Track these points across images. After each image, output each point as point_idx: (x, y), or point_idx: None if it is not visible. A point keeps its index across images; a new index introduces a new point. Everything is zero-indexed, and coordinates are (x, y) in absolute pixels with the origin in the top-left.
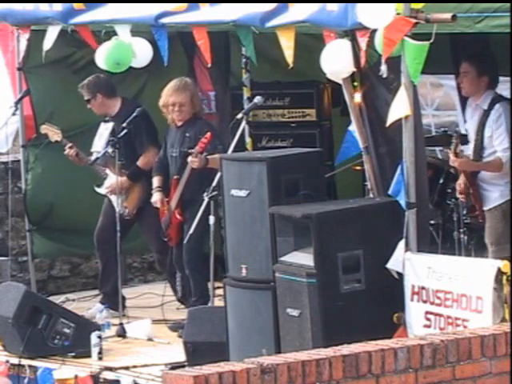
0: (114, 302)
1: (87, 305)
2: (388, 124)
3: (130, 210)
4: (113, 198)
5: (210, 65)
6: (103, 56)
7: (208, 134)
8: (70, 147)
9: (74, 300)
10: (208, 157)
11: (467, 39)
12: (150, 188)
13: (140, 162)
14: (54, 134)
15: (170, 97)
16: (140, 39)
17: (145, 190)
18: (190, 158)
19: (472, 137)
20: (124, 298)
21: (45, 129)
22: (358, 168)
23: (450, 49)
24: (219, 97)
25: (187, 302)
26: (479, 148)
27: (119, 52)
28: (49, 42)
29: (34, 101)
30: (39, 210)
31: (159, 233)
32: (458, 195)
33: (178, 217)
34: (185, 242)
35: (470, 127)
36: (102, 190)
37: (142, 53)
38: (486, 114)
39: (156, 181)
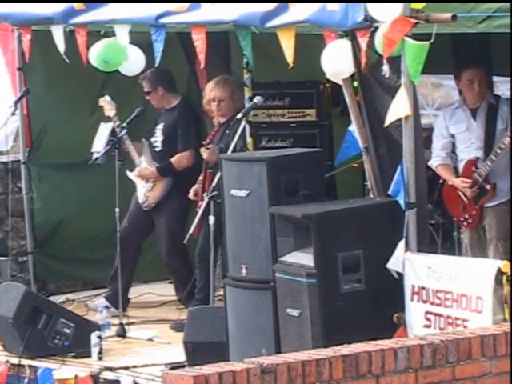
0: (118, 300)
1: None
2: (387, 124)
3: (150, 202)
4: (139, 185)
5: (202, 66)
6: (94, 54)
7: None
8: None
9: (73, 300)
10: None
11: (468, 40)
12: (173, 187)
13: (174, 160)
14: (109, 109)
15: (211, 91)
16: (135, 47)
17: (168, 187)
18: (201, 149)
19: (476, 136)
20: (128, 300)
21: (103, 101)
22: (356, 165)
23: (451, 50)
24: None
25: (189, 302)
26: (491, 142)
27: (109, 51)
28: (60, 43)
29: (30, 106)
30: (46, 231)
31: (173, 235)
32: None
33: (198, 209)
34: (184, 241)
35: (469, 129)
36: (132, 175)
37: (134, 61)
38: (495, 108)
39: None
